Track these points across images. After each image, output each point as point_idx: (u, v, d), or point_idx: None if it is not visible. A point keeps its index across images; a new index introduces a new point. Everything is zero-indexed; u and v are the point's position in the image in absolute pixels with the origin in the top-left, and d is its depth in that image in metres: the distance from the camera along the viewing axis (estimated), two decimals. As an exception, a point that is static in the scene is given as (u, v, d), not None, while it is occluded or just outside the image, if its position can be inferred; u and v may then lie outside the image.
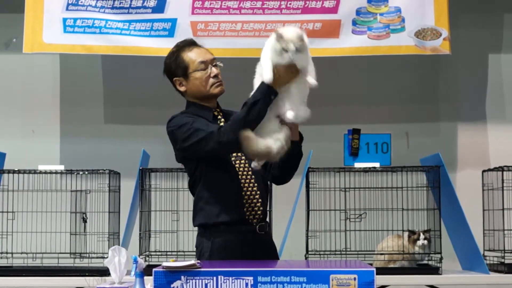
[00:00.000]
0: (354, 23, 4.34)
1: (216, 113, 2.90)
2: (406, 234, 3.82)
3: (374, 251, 3.88)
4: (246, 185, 2.80)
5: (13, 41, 4.76)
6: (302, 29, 2.54)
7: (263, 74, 2.56)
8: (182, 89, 2.92)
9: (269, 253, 2.85)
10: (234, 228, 2.77)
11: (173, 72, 2.90)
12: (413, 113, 4.79)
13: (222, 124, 2.82)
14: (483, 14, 4.81)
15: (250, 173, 2.81)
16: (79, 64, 4.75)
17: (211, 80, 2.85)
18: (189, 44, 2.90)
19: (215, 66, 2.87)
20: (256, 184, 2.82)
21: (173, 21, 4.35)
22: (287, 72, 2.58)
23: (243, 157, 2.80)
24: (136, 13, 4.35)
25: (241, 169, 2.81)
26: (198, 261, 2.27)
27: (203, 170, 2.80)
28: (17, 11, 4.50)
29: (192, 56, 2.86)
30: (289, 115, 2.57)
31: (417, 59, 4.57)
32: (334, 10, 4.34)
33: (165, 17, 4.35)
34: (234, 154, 2.81)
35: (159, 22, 4.35)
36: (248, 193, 2.79)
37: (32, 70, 4.79)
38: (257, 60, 4.46)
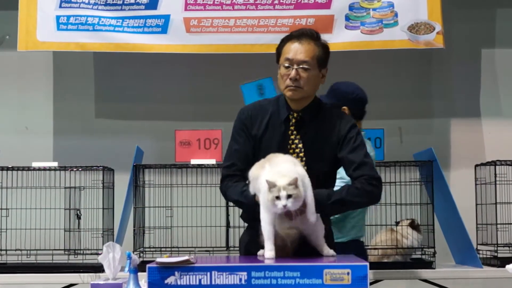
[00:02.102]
0: (347, 18, 4.34)
1: (290, 117, 2.75)
2: (400, 226, 3.83)
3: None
4: None
5: (6, 38, 4.75)
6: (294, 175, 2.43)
7: (265, 250, 2.46)
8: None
9: None
10: None
11: (277, 55, 2.80)
12: (406, 108, 4.80)
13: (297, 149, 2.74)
14: (476, 9, 4.82)
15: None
16: (72, 60, 4.74)
17: (287, 81, 2.70)
18: (300, 35, 2.74)
19: (301, 69, 2.70)
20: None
21: (166, 18, 4.34)
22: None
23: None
24: (129, 9, 4.34)
25: None
26: (192, 256, 2.28)
27: None
28: (10, 8, 4.50)
29: (288, 48, 2.72)
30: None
31: (410, 55, 4.58)
32: (327, 5, 4.34)
33: (158, 13, 4.34)
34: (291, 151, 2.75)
35: (152, 19, 4.34)
36: None
37: (25, 67, 4.78)
38: (250, 55, 4.46)
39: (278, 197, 2.38)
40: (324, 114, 2.79)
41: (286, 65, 2.70)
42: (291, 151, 2.73)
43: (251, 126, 2.76)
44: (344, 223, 3.39)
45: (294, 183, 2.39)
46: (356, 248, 3.24)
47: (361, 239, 3.56)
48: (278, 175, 2.42)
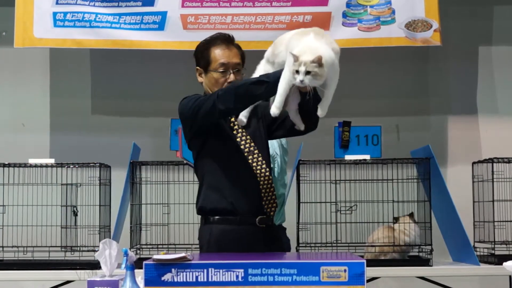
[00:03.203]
0: (345, 15, 4.34)
1: (233, 119, 2.89)
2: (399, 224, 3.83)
3: (364, 243, 3.89)
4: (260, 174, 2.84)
5: (3, 34, 4.74)
6: (328, 49, 2.47)
7: (273, 104, 2.54)
8: (199, 79, 2.94)
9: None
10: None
11: (197, 61, 2.92)
12: (403, 105, 4.80)
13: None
14: (473, 6, 4.82)
15: (260, 158, 2.85)
16: (68, 57, 4.73)
17: (226, 86, 2.83)
18: (222, 39, 2.89)
19: (237, 72, 2.85)
20: (268, 169, 2.85)
21: (163, 14, 4.34)
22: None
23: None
24: (126, 6, 4.33)
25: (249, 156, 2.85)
26: (189, 253, 2.28)
27: (206, 157, 2.84)
28: (7, 4, 4.48)
29: (217, 54, 2.86)
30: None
31: (407, 52, 4.58)
32: (324, 2, 4.34)
33: (155, 10, 4.34)
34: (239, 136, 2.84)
35: (149, 15, 4.33)
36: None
37: (21, 63, 4.77)
38: (247, 52, 4.46)
39: (297, 71, 2.41)
40: None
41: (222, 69, 2.83)
42: (238, 139, 2.84)
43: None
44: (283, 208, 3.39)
45: (318, 61, 2.40)
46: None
47: None
48: (306, 49, 2.44)
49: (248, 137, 2.87)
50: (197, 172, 2.92)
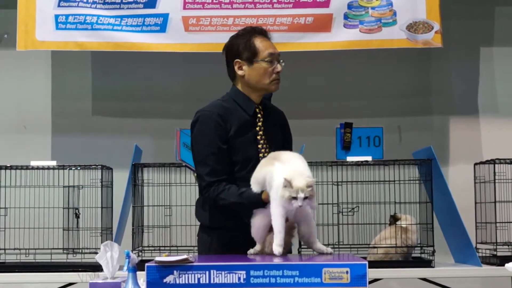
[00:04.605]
0: (346, 17, 4.34)
1: (257, 110, 2.88)
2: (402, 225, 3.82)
3: (368, 244, 3.88)
4: None
5: (4, 37, 4.74)
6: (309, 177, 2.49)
7: (274, 244, 2.49)
8: (240, 72, 2.85)
9: None
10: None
11: (238, 53, 2.84)
12: (405, 106, 4.79)
13: (258, 128, 2.84)
14: (474, 7, 4.82)
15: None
16: (70, 59, 4.73)
17: (274, 76, 2.83)
18: (260, 32, 2.87)
19: (280, 62, 2.86)
20: None
21: (165, 16, 4.34)
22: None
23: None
24: (127, 8, 4.33)
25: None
26: (191, 255, 2.28)
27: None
28: (8, 6, 4.49)
29: (262, 44, 2.83)
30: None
31: (408, 53, 4.58)
32: (325, 4, 4.34)
33: (156, 12, 4.34)
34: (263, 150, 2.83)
35: (150, 17, 4.34)
36: None
37: (23, 65, 4.78)
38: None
39: (295, 198, 2.41)
40: (265, 105, 2.94)
41: (270, 59, 2.81)
42: (259, 146, 2.82)
43: (225, 126, 2.79)
44: None
45: (312, 186, 2.42)
46: None
47: None
48: (295, 173, 2.45)
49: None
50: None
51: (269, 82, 2.83)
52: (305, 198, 2.41)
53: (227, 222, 2.80)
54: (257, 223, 2.59)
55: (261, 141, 2.84)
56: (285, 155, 2.58)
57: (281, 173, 2.46)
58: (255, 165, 2.68)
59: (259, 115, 2.87)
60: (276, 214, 2.48)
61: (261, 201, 2.58)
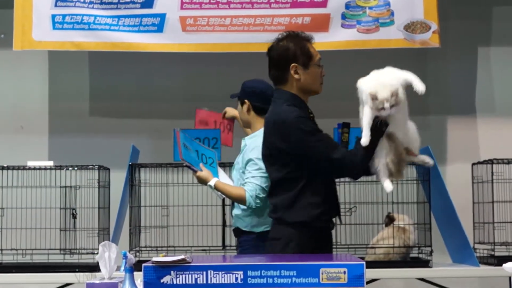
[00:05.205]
0: (344, 17, 4.34)
1: (309, 111, 2.97)
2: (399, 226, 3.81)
3: (366, 244, 3.88)
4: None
5: (1, 37, 4.73)
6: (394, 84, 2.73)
7: (363, 136, 2.77)
8: (296, 76, 2.91)
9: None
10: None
11: (295, 57, 2.91)
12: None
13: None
14: (472, 7, 4.82)
15: None
16: (67, 59, 4.73)
17: (320, 79, 2.97)
18: (309, 38, 2.97)
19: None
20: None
21: (162, 16, 4.34)
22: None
23: None
24: (125, 8, 4.33)
25: None
26: (188, 255, 2.27)
27: (307, 172, 2.85)
28: (5, 6, 4.48)
29: (314, 50, 2.95)
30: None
31: (406, 52, 4.57)
32: (323, 4, 4.33)
33: (154, 12, 4.33)
34: None
35: (148, 17, 4.33)
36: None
37: (20, 65, 4.77)
38: (246, 54, 4.46)
39: (382, 108, 2.68)
40: None
41: (319, 63, 2.95)
42: None
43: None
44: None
45: (396, 94, 2.67)
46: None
47: None
48: (379, 86, 2.70)
49: None
50: (283, 182, 2.89)
51: (318, 85, 2.96)
52: (392, 106, 2.66)
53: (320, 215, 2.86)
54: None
55: None
56: (375, 72, 2.82)
57: (366, 88, 2.72)
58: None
59: (311, 115, 2.97)
60: (365, 115, 2.77)
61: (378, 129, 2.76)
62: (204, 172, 3.37)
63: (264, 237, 3.28)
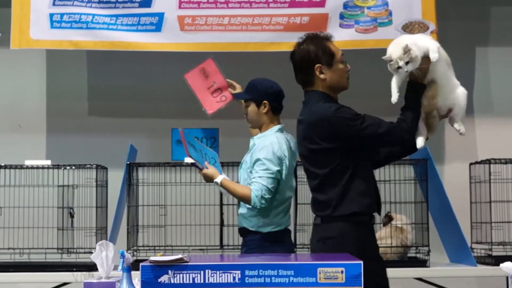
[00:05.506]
0: (342, 16, 4.34)
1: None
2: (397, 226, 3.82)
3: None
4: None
5: (-1, 36, 4.73)
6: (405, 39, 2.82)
7: (392, 95, 2.89)
8: (322, 76, 2.93)
9: None
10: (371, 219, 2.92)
11: (317, 58, 2.93)
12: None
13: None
14: (470, 7, 4.82)
15: None
16: (65, 58, 4.72)
17: (347, 74, 3.00)
18: (328, 37, 3.00)
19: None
20: None
21: (160, 16, 4.33)
22: (418, 72, 2.80)
23: None
24: (123, 7, 4.32)
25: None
26: (185, 255, 2.27)
27: (352, 162, 2.85)
28: (3, 5, 4.47)
29: (335, 48, 2.98)
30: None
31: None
32: (321, 4, 4.33)
33: (152, 11, 4.33)
34: None
35: (146, 17, 4.33)
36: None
37: (18, 64, 4.77)
38: (245, 53, 4.45)
39: (399, 67, 2.75)
40: None
41: (343, 60, 2.99)
42: None
43: None
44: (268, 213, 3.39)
45: (407, 50, 2.73)
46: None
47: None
48: (392, 47, 2.80)
49: None
50: (329, 177, 2.88)
51: (345, 81, 3.00)
52: (407, 63, 2.74)
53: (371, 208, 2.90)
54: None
55: None
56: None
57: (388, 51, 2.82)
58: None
59: None
60: (393, 79, 2.87)
61: (417, 86, 2.85)
62: (211, 170, 3.35)
63: (270, 238, 3.33)
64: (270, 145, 3.34)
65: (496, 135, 4.75)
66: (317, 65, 2.92)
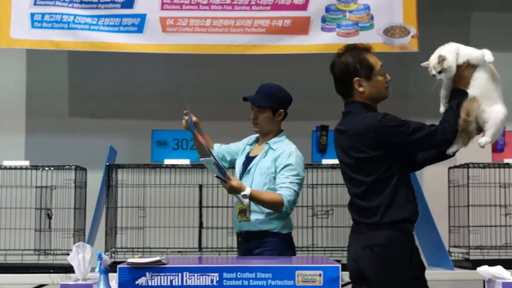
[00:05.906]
0: (323, 20, 4.35)
1: None
2: None
3: (342, 247, 3.88)
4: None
5: (-22, 35, 4.69)
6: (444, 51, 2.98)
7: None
8: (361, 89, 2.95)
9: None
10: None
11: (356, 71, 2.94)
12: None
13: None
14: (451, 12, 4.85)
15: None
16: (45, 58, 4.70)
17: (386, 84, 3.02)
18: (368, 48, 3.02)
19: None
20: None
21: (142, 17, 4.32)
22: (456, 79, 2.95)
23: None
24: (105, 8, 4.31)
25: None
26: (164, 257, 2.26)
27: (397, 168, 2.87)
28: (-17, 4, 4.44)
29: (374, 60, 2.99)
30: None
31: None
32: (303, 7, 4.34)
33: (134, 12, 4.31)
34: None
35: (128, 18, 4.31)
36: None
37: (-3, 64, 4.74)
38: (227, 55, 4.45)
39: (434, 75, 2.92)
40: None
41: (382, 72, 3.00)
42: None
43: None
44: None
45: (441, 60, 2.89)
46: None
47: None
48: (434, 53, 2.97)
49: None
50: (375, 184, 2.87)
51: (386, 92, 3.02)
52: (440, 72, 2.90)
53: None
54: None
55: None
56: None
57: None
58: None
59: None
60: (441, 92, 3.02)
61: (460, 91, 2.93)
62: (236, 182, 3.27)
63: (287, 239, 3.39)
64: (296, 151, 3.44)
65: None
66: (356, 78, 2.93)
